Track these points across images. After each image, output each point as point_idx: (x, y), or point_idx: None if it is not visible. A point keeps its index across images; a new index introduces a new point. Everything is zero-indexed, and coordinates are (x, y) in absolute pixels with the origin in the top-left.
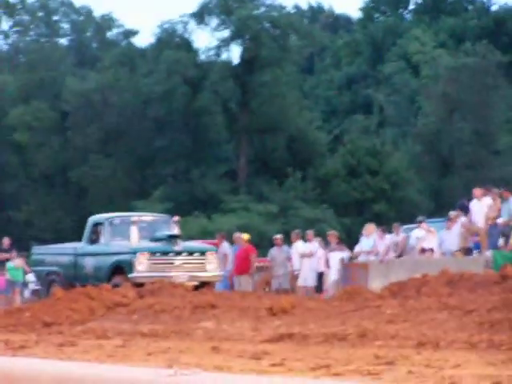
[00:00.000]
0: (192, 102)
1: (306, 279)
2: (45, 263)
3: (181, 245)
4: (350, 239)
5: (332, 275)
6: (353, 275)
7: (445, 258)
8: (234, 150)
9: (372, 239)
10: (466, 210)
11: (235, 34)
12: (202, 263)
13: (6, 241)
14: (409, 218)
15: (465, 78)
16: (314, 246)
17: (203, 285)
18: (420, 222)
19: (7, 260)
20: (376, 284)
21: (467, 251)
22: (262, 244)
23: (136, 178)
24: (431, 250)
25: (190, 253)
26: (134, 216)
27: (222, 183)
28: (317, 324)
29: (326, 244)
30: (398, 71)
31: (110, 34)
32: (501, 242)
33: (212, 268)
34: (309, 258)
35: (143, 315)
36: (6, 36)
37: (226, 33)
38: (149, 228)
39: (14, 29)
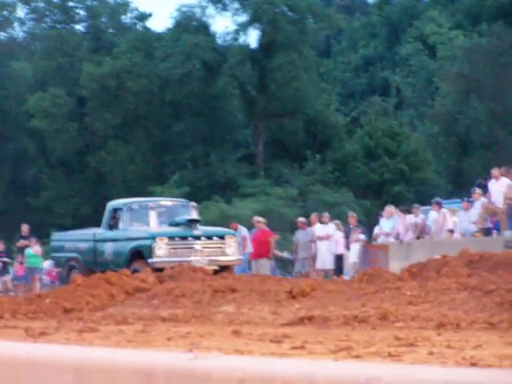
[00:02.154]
0: (210, 86)
1: (324, 262)
2: (64, 249)
3: (200, 229)
4: (369, 221)
5: (351, 257)
6: (372, 257)
7: (464, 239)
8: (252, 133)
9: (392, 221)
10: (484, 190)
11: (253, 18)
12: (221, 247)
13: (25, 228)
14: (427, 199)
15: (481, 59)
16: (331, 228)
17: (223, 269)
18: (436, 204)
19: (26, 247)
20: (396, 265)
21: (486, 231)
22: (282, 227)
23: (154, 163)
24: (451, 230)
25: (209, 237)
26: (153, 201)
27: (240, 167)
28: (337, 306)
29: (345, 226)
30: (414, 53)
31: (125, 18)
32: None
33: (231, 252)
34: (326, 240)
35: (163, 300)
36: (22, 23)
37: (243, 17)
38: (167, 213)
39: (30, 16)
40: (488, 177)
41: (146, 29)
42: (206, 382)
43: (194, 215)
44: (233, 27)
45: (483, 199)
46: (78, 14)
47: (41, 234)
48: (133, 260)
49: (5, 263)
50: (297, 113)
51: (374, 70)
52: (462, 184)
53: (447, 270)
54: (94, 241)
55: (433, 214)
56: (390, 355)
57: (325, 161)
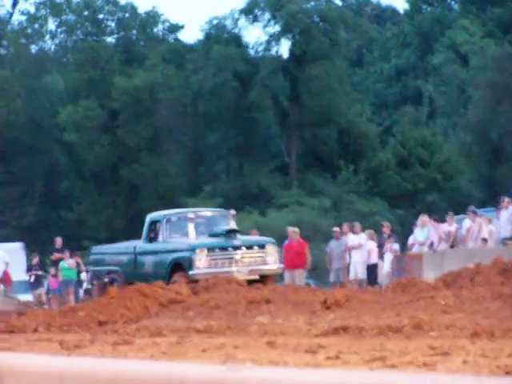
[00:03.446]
0: (242, 97)
1: (357, 272)
2: (104, 263)
3: (239, 239)
4: (403, 231)
5: (385, 267)
6: (406, 266)
7: (497, 247)
8: (285, 144)
9: (426, 230)
10: None
11: (285, 29)
12: (261, 256)
13: (59, 241)
14: (461, 208)
15: None
16: (363, 238)
17: (264, 278)
18: (472, 212)
19: (61, 260)
20: (430, 275)
21: None
22: (316, 238)
23: (187, 175)
24: (485, 239)
25: (249, 246)
26: (191, 212)
27: (273, 178)
28: (371, 316)
29: (379, 236)
30: (446, 62)
31: (156, 30)
32: None
33: (272, 261)
34: (358, 250)
35: (197, 312)
36: (53, 36)
37: (275, 28)
38: (206, 223)
39: (61, 29)
40: None
41: (178, 40)
42: None
43: (233, 225)
44: (264, 38)
45: None
46: (109, 26)
47: (74, 247)
48: (173, 272)
49: (38, 276)
50: (329, 123)
51: (406, 79)
52: (495, 193)
53: (481, 278)
54: (134, 254)
55: (467, 223)
56: (424, 364)
57: (358, 171)
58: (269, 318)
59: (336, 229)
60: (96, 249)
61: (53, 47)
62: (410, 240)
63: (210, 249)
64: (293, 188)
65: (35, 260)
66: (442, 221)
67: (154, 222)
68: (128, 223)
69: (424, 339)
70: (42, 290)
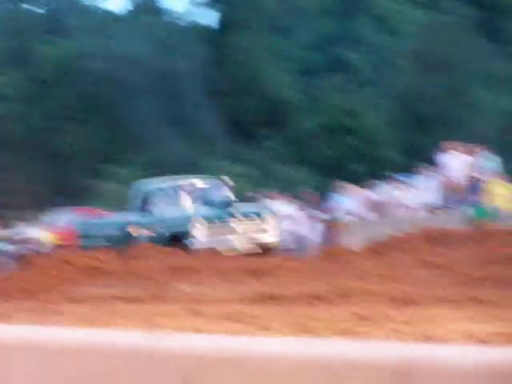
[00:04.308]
0: (168, 66)
1: (284, 240)
2: (89, 237)
3: (237, 208)
4: (329, 199)
5: (311, 235)
6: (333, 235)
7: (425, 215)
8: (210, 113)
9: (350, 198)
10: (441, 166)
11: None
12: (260, 226)
13: None
14: (386, 175)
15: (439, 35)
16: (287, 206)
17: (264, 249)
18: (392, 179)
19: None
20: (356, 243)
21: (446, 207)
22: None
23: (113, 144)
24: (408, 206)
25: (248, 216)
26: (184, 181)
27: (199, 147)
28: (298, 285)
29: (304, 204)
30: (373, 30)
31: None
32: (480, 197)
33: (272, 230)
34: (284, 218)
35: (122, 280)
36: None
37: None
38: (199, 193)
39: None
40: (443, 152)
41: (103, 10)
42: (164, 362)
43: (229, 193)
44: (190, 7)
45: (438, 175)
46: None
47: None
48: (170, 245)
49: None
50: (255, 92)
51: (331, 47)
52: (420, 160)
53: (408, 246)
54: (123, 227)
55: (392, 191)
56: (352, 332)
57: (283, 139)
58: (194, 286)
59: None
60: (82, 224)
61: None
62: (335, 208)
63: (209, 219)
64: (218, 157)
65: None
66: (367, 188)
67: (144, 193)
68: (55, 193)
69: (351, 307)
70: None
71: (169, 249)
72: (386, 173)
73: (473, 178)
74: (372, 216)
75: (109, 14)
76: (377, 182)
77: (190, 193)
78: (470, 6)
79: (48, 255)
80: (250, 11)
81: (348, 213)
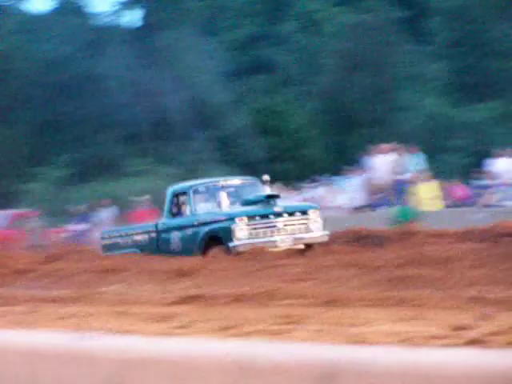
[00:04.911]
0: (94, 66)
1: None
2: (120, 246)
3: (280, 205)
4: None
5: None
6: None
7: (350, 215)
8: (137, 113)
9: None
10: (367, 167)
11: None
12: (305, 223)
13: None
14: (313, 176)
15: (364, 35)
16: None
17: (309, 246)
18: (320, 181)
19: None
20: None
21: (372, 207)
22: None
23: (40, 145)
24: (334, 207)
25: (292, 213)
26: (221, 181)
27: (126, 147)
28: (224, 284)
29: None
30: (298, 29)
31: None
32: (405, 197)
33: (317, 228)
34: None
35: (51, 280)
36: None
37: None
38: (236, 192)
39: None
40: (369, 153)
41: (26, 11)
42: (87, 363)
43: (270, 190)
44: (114, 7)
45: (364, 175)
46: None
47: None
48: (209, 246)
49: None
50: (182, 91)
51: (258, 47)
52: (346, 161)
53: (335, 246)
54: (157, 232)
55: (319, 191)
56: (279, 332)
57: (210, 139)
58: (122, 287)
59: None
60: (107, 233)
61: None
62: None
63: (251, 217)
64: (146, 156)
65: None
66: (294, 189)
67: (177, 195)
68: None
69: (277, 307)
70: None
71: None
72: (313, 174)
73: (397, 178)
74: None
75: (32, 16)
76: (303, 182)
77: (227, 192)
78: (395, 6)
79: None
80: (174, 11)
81: None
